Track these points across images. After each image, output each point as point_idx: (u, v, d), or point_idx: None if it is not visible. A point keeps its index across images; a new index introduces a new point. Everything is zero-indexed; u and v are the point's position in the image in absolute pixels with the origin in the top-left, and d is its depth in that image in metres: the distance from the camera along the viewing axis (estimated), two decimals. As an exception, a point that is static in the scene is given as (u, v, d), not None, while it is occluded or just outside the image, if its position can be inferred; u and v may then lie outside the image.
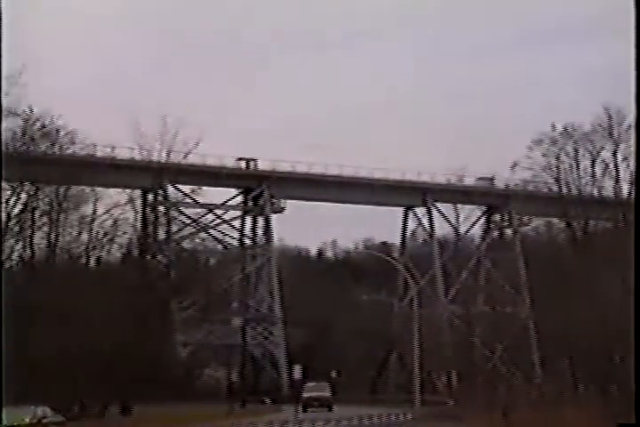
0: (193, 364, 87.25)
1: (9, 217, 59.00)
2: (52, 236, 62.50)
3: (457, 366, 73.76)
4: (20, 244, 61.27)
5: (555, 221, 72.36)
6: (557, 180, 64.36)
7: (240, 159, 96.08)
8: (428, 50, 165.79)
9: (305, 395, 66.16)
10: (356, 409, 57.57)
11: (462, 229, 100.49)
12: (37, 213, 61.62)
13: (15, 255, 61.33)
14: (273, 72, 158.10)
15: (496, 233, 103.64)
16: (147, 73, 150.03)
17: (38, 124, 62.37)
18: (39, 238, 62.19)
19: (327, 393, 66.80)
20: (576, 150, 63.81)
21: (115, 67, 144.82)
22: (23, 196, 60.00)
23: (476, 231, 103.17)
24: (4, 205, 58.92)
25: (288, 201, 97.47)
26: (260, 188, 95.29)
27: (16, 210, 59.69)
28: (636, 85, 9.51)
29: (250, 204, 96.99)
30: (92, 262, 70.17)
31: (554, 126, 63.37)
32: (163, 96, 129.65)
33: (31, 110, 60.99)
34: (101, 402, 52.95)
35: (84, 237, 65.94)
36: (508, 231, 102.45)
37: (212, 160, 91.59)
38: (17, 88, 58.55)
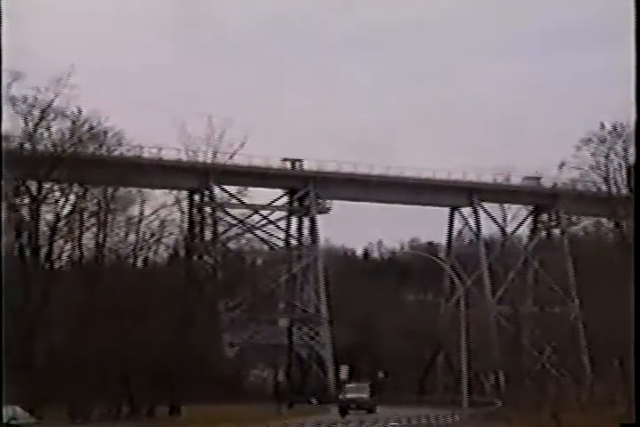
0: (240, 364, 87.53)
1: (58, 218, 59.62)
2: (101, 237, 63.01)
3: (505, 366, 73.20)
4: (69, 244, 61.92)
5: (603, 220, 71.56)
6: (606, 179, 63.61)
7: (286, 160, 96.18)
8: (469, 49, 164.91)
9: (342, 397, 63.36)
10: (403, 410, 57.34)
11: (509, 229, 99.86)
12: (86, 215, 62.20)
13: (65, 256, 61.98)
14: (320, 71, 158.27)
15: (543, 233, 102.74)
16: (192, 73, 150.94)
17: (87, 126, 62.98)
18: (88, 239, 62.79)
19: (366, 395, 63.18)
20: (625, 149, 63.02)
21: (160, 67, 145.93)
22: (72, 197, 60.62)
23: (523, 231, 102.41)
24: (53, 206, 59.58)
25: (334, 201, 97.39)
26: (305, 188, 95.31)
27: (65, 211, 60.34)
28: (636, 85, 9.40)
29: (295, 204, 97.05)
30: (140, 263, 70.68)
31: (602, 125, 62.63)
32: (208, 96, 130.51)
33: (80, 112, 61.54)
34: (150, 402, 53.27)
35: (132, 237, 66.42)
36: (556, 231, 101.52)
37: (257, 161, 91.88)
38: (66, 89, 59.27)
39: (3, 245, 51.69)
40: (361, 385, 66.42)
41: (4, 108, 61.52)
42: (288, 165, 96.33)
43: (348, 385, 66.97)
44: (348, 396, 62.37)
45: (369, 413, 59.37)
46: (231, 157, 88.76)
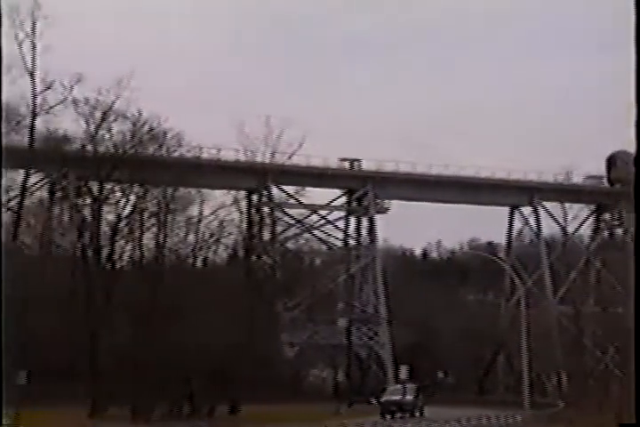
0: (299, 364, 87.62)
1: (119, 218, 60.29)
2: (161, 237, 63.55)
3: (567, 367, 72.20)
4: (130, 245, 62.52)
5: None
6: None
7: (344, 160, 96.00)
8: (526, 50, 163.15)
9: (383, 398, 58.95)
10: (461, 410, 56.70)
11: (570, 229, 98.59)
12: (146, 215, 62.77)
13: (125, 256, 62.60)
14: (378, 71, 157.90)
15: (606, 233, 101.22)
16: (251, 74, 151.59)
17: (147, 127, 63.61)
18: (148, 239, 63.37)
19: (409, 397, 58.23)
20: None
21: (219, 68, 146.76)
22: (132, 197, 61.24)
23: (585, 231, 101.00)
24: (114, 206, 60.22)
25: (392, 201, 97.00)
26: (363, 188, 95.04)
27: (126, 211, 60.97)
28: (636, 85, 9.15)
29: (354, 204, 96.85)
30: (199, 263, 71.16)
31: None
32: (267, 97, 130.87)
33: (140, 114, 62.26)
34: (211, 402, 53.53)
35: (191, 238, 66.90)
36: (619, 231, 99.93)
37: (315, 161, 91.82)
38: (127, 91, 59.95)
39: (3, 244, 52.25)
40: (406, 386, 62.04)
41: (68, 110, 62.43)
42: (346, 164, 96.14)
43: (390, 386, 64.14)
44: (390, 398, 58.49)
45: (412, 415, 56.23)
46: (289, 157, 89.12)
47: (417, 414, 57.09)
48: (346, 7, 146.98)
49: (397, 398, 57.76)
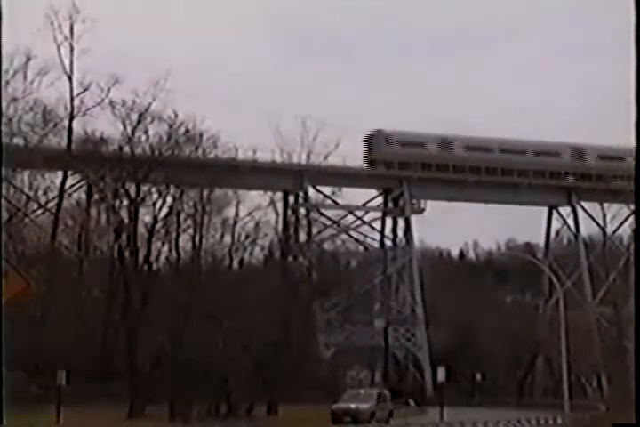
0: (336, 365, 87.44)
1: (156, 220, 60.48)
2: (197, 238, 63.73)
3: (607, 369, 71.41)
4: (166, 246, 62.73)
5: None
6: None
7: (380, 160, 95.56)
8: (562, 49, 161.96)
9: (334, 406, 48.61)
10: (502, 413, 56.16)
11: (610, 229, 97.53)
12: (182, 216, 62.95)
13: (162, 257, 62.82)
14: (412, 72, 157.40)
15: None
16: (287, 75, 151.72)
17: (183, 129, 63.82)
18: (184, 241, 63.55)
19: (365, 405, 47.55)
20: None
21: (254, 69, 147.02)
22: (169, 199, 61.43)
23: (625, 231, 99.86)
24: (151, 208, 60.42)
25: (429, 202, 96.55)
26: (399, 188, 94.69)
27: (162, 213, 61.15)
28: (637, 85, 8.87)
29: (390, 205, 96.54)
30: (235, 264, 71.27)
31: None
32: (302, 97, 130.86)
33: (176, 115, 62.48)
34: (248, 402, 53.55)
35: (227, 239, 67.07)
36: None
37: (351, 161, 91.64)
38: (163, 93, 60.18)
39: (3, 244, 52.44)
40: (366, 392, 51.83)
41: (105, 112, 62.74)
42: (382, 165, 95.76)
43: (350, 391, 53.04)
44: (341, 405, 48.21)
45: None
46: (325, 158, 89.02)
47: (374, 423, 47.23)
48: (388, 6, 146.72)
49: (352, 405, 47.54)
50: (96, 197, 66.82)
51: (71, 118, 64.40)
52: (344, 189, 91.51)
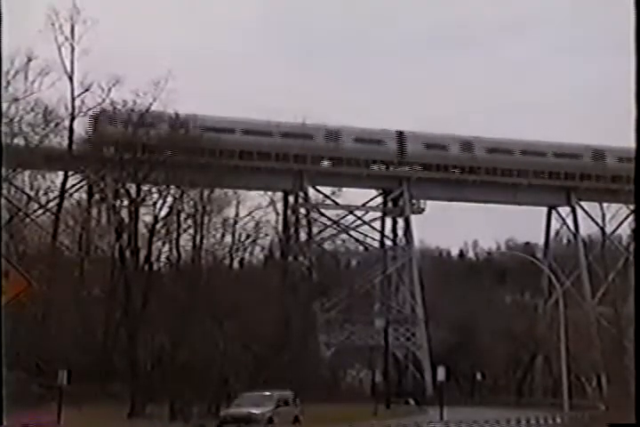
0: (336, 365, 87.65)
1: (156, 220, 60.63)
2: (197, 238, 63.87)
3: (607, 369, 71.47)
4: (167, 246, 62.90)
5: None
6: None
7: (380, 160, 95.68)
8: (566, 47, 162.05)
9: (223, 412, 44.06)
10: (501, 413, 56.25)
11: (609, 229, 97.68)
12: (183, 216, 63.10)
13: (163, 257, 62.97)
14: (413, 72, 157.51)
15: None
16: (286, 74, 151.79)
17: (183, 129, 63.96)
18: (185, 241, 63.70)
19: (260, 410, 41.76)
20: None
21: (254, 68, 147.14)
22: (169, 199, 61.58)
23: (624, 230, 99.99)
24: (151, 208, 60.59)
25: (428, 202, 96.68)
26: (399, 189, 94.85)
27: (163, 213, 61.31)
28: (637, 85, 9.03)
29: (390, 205, 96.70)
30: (236, 264, 71.48)
31: None
32: (302, 97, 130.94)
33: (177, 115, 62.56)
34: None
35: (228, 239, 67.25)
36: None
37: (351, 161, 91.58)
38: (164, 93, 60.31)
39: (3, 244, 52.55)
40: (264, 395, 44.15)
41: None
42: (382, 165, 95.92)
43: (244, 394, 45.45)
44: (229, 411, 42.80)
45: None
46: (325, 158, 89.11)
47: None
48: (388, 6, 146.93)
49: (244, 410, 41.58)
50: (97, 197, 67.00)
51: (72, 119, 64.49)
52: (344, 189, 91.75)
